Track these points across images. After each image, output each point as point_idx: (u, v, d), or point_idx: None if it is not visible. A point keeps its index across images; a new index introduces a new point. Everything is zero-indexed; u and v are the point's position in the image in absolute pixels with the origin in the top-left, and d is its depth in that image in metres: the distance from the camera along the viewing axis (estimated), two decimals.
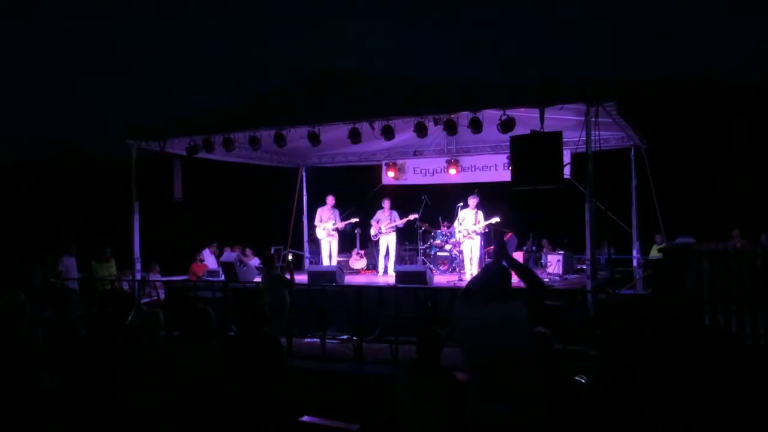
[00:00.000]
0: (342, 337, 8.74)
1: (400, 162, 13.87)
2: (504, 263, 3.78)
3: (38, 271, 11.59)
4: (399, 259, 13.23)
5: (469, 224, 11.11)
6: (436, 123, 9.26)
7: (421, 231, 12.91)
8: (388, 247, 12.43)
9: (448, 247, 12.60)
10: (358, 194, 14.42)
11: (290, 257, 13.25)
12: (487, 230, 11.35)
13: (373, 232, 12.48)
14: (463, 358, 3.71)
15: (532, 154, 8.09)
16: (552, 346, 4.26)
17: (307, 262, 14.47)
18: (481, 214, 11.18)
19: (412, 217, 12.43)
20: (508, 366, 3.49)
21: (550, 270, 11.65)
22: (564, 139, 8.19)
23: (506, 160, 12.16)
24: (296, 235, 14.69)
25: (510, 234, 13.00)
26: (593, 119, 8.10)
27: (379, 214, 12.51)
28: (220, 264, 11.75)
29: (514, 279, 3.75)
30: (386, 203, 12.52)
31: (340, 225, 12.50)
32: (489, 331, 3.54)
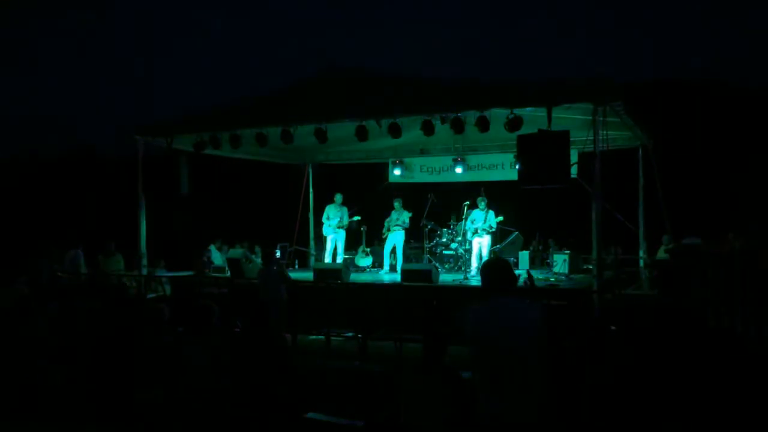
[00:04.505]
0: (347, 334, 8.75)
1: (406, 160, 13.86)
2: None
3: (45, 264, 11.64)
4: (405, 258, 13.22)
5: (480, 223, 11.38)
6: (443, 121, 9.23)
7: (427, 230, 12.89)
8: (394, 245, 12.44)
9: (453, 245, 12.59)
10: (365, 192, 14.41)
11: (278, 254, 13.07)
12: (493, 230, 11.47)
13: (384, 229, 12.54)
14: (471, 355, 3.70)
15: (540, 153, 8.04)
16: (561, 344, 4.24)
17: (312, 259, 14.47)
18: (492, 213, 11.35)
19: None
20: (515, 362, 3.48)
21: (556, 269, 11.62)
22: (571, 139, 8.15)
23: (513, 159, 12.13)
24: (302, 232, 14.68)
25: (515, 234, 13.05)
26: (601, 119, 8.07)
27: (393, 214, 12.55)
28: (226, 260, 11.77)
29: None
30: (397, 203, 12.53)
31: (345, 223, 12.50)
32: (497, 324, 3.52)
